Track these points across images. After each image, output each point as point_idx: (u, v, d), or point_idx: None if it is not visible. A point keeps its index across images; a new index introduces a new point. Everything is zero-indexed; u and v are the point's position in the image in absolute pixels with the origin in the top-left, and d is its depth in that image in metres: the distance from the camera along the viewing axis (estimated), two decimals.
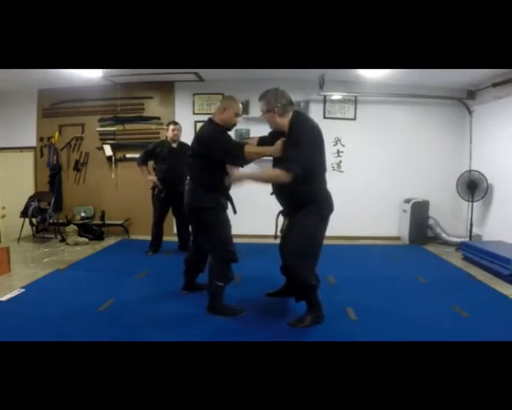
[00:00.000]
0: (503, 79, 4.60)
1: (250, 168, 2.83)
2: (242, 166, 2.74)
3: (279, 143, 2.49)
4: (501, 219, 4.75)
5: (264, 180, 2.54)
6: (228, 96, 2.93)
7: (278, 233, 2.80)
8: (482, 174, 4.85)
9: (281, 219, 2.81)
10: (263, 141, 2.75)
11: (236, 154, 2.58)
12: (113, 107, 5.73)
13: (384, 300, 3.17)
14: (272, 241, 2.91)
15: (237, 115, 2.76)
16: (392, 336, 2.43)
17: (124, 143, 5.75)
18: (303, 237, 2.50)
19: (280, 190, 2.63)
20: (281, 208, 2.79)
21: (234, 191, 2.90)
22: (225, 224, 2.79)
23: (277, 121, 2.48)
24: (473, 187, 4.94)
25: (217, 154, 2.61)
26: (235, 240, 2.86)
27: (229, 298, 2.89)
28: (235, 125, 2.79)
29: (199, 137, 2.72)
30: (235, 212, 2.87)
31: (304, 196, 2.50)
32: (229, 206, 2.87)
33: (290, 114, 2.48)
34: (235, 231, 2.86)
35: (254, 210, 4.93)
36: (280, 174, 2.39)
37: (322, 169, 2.56)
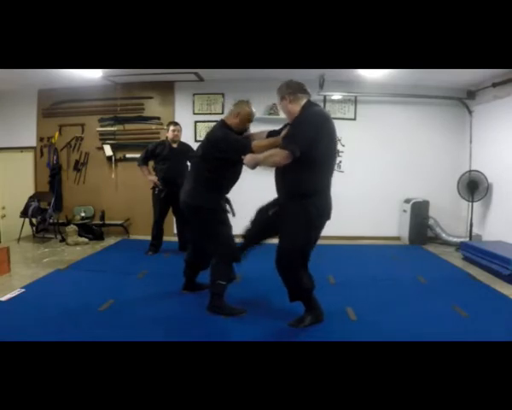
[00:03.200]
0: (503, 79, 4.60)
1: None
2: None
3: (285, 130, 2.49)
4: (501, 219, 4.75)
5: (264, 161, 2.41)
6: (242, 101, 2.81)
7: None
8: (483, 174, 4.85)
9: None
10: (272, 134, 2.71)
11: (244, 150, 2.53)
12: (113, 107, 5.73)
13: (384, 300, 3.17)
14: (272, 241, 2.91)
15: (250, 121, 2.78)
16: (392, 337, 2.42)
17: (124, 143, 5.75)
18: (290, 246, 2.43)
19: (278, 178, 2.56)
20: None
21: (233, 192, 2.91)
22: (226, 223, 2.80)
23: (289, 108, 2.46)
24: (473, 187, 4.95)
25: (225, 155, 2.61)
26: (235, 240, 2.86)
27: (229, 298, 2.89)
28: (246, 130, 2.81)
29: (209, 138, 2.72)
30: (233, 214, 2.88)
31: (297, 185, 2.39)
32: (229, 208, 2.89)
33: (302, 102, 2.43)
34: (233, 231, 2.86)
35: (251, 211, 4.92)
36: (277, 153, 2.32)
37: (326, 161, 2.42)
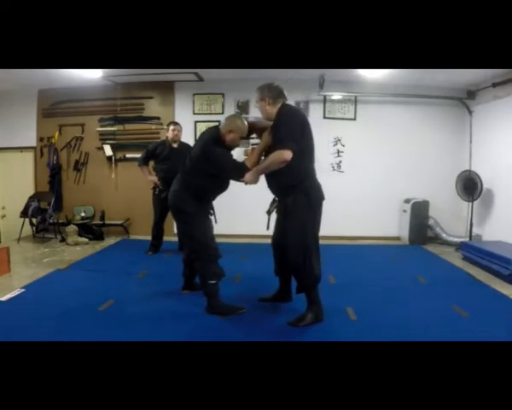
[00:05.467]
0: (503, 79, 4.61)
1: None
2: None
3: (265, 134, 2.67)
4: (501, 219, 4.75)
5: (269, 167, 2.54)
6: (235, 117, 2.86)
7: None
8: (477, 174, 4.85)
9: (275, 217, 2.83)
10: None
11: (241, 173, 2.64)
12: (113, 107, 5.73)
13: (384, 300, 3.17)
14: (270, 241, 2.91)
15: (242, 138, 2.80)
16: (392, 336, 2.42)
17: (124, 143, 5.75)
18: (302, 232, 2.54)
19: (269, 179, 2.68)
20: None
21: (230, 193, 2.93)
22: (206, 225, 2.85)
23: (267, 109, 2.63)
24: (470, 187, 4.94)
25: (223, 174, 2.75)
26: (233, 240, 2.86)
27: (229, 298, 2.89)
28: (238, 146, 2.88)
29: (205, 152, 2.71)
30: (215, 221, 2.98)
31: (288, 177, 2.52)
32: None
33: (279, 105, 2.60)
34: (232, 231, 2.86)
35: (251, 210, 4.93)
36: (279, 154, 2.44)
37: (310, 150, 2.61)
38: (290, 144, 2.42)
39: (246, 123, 2.79)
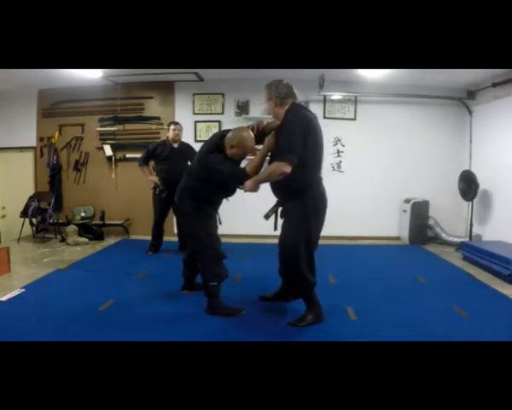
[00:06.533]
0: (503, 79, 4.61)
1: None
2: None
3: (268, 137, 2.59)
4: (501, 219, 4.75)
5: (269, 178, 2.51)
6: (241, 132, 2.65)
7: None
8: (473, 173, 4.86)
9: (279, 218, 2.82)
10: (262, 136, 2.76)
11: (241, 180, 2.57)
12: (113, 107, 5.73)
13: (384, 300, 3.17)
14: (270, 241, 2.91)
15: (245, 155, 2.71)
16: (392, 336, 2.42)
17: (124, 143, 5.75)
18: (292, 238, 2.52)
19: (273, 184, 2.63)
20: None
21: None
22: (209, 225, 2.82)
23: (275, 110, 2.57)
24: (466, 186, 4.95)
25: (221, 179, 2.65)
26: (233, 240, 2.85)
27: (229, 298, 2.89)
28: (242, 160, 2.77)
29: (200, 156, 2.70)
30: (220, 223, 2.97)
31: (291, 184, 2.47)
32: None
33: (287, 106, 2.52)
34: (233, 231, 2.85)
35: (252, 210, 4.93)
36: (278, 167, 2.39)
37: (314, 158, 2.51)
38: (290, 157, 2.34)
39: (253, 138, 2.63)
